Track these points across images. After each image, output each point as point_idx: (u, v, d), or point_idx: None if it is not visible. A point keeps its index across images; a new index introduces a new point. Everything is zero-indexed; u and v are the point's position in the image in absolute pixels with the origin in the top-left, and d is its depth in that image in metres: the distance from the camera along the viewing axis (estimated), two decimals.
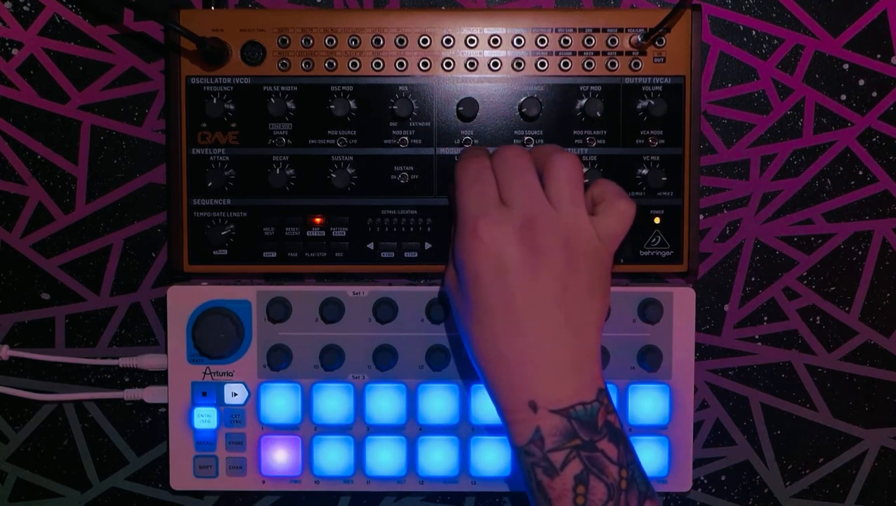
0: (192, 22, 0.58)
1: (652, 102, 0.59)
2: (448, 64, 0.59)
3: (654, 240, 0.60)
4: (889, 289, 0.64)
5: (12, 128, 0.62)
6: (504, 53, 0.59)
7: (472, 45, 0.59)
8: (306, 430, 0.60)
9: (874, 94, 0.63)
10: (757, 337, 0.64)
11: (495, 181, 0.51)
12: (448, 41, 0.59)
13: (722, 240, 0.64)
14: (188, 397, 0.60)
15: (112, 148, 0.62)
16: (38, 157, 0.62)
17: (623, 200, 0.52)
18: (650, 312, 0.59)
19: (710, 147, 0.63)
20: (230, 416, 0.60)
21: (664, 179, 0.60)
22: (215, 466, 0.60)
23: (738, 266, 0.64)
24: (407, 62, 0.59)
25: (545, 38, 0.59)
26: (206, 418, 0.60)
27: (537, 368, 0.49)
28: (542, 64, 0.59)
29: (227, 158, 0.60)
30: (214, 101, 0.59)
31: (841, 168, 0.63)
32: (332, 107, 0.59)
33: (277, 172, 0.59)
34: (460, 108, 0.59)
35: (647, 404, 0.60)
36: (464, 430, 0.60)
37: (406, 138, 0.60)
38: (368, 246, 0.60)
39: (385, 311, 0.59)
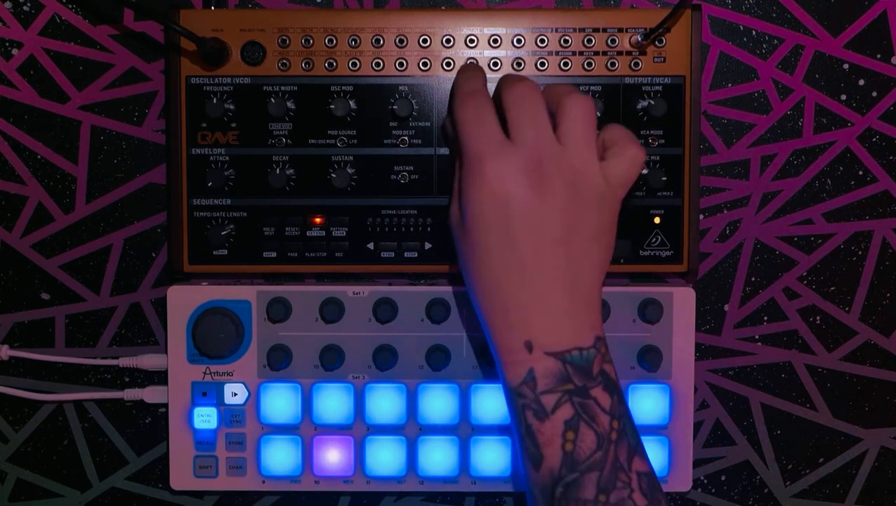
0: (192, 22, 0.58)
1: (652, 102, 0.59)
2: (448, 64, 0.59)
3: (654, 240, 0.60)
4: (889, 289, 0.64)
5: (12, 128, 0.62)
6: (504, 53, 0.59)
7: (472, 45, 0.59)
8: (306, 430, 0.60)
9: (874, 94, 0.63)
10: (757, 337, 0.64)
11: (500, 115, 0.50)
12: (448, 41, 0.59)
13: (722, 240, 0.64)
14: (188, 397, 0.60)
15: (112, 148, 0.62)
16: (38, 157, 0.62)
17: (634, 146, 0.51)
18: (650, 312, 0.59)
19: (710, 147, 0.63)
20: (230, 416, 0.60)
21: (664, 178, 0.60)
22: (215, 466, 0.60)
23: (738, 266, 0.64)
24: (407, 62, 0.59)
25: (545, 38, 0.59)
26: (206, 418, 0.60)
27: (536, 310, 0.48)
28: (542, 64, 0.59)
29: (227, 158, 0.60)
30: (214, 101, 0.59)
31: (841, 168, 0.63)
32: (332, 107, 0.59)
33: (277, 172, 0.59)
34: None
35: (647, 404, 0.60)
36: (464, 430, 0.61)
37: (406, 138, 0.60)
38: (368, 246, 0.60)
39: (385, 311, 0.59)
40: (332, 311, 0.59)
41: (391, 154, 0.60)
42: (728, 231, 0.64)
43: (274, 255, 0.60)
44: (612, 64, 0.59)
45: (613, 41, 0.59)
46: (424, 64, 0.59)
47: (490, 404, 0.60)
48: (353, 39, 0.59)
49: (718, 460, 0.65)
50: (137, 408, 0.64)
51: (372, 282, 0.61)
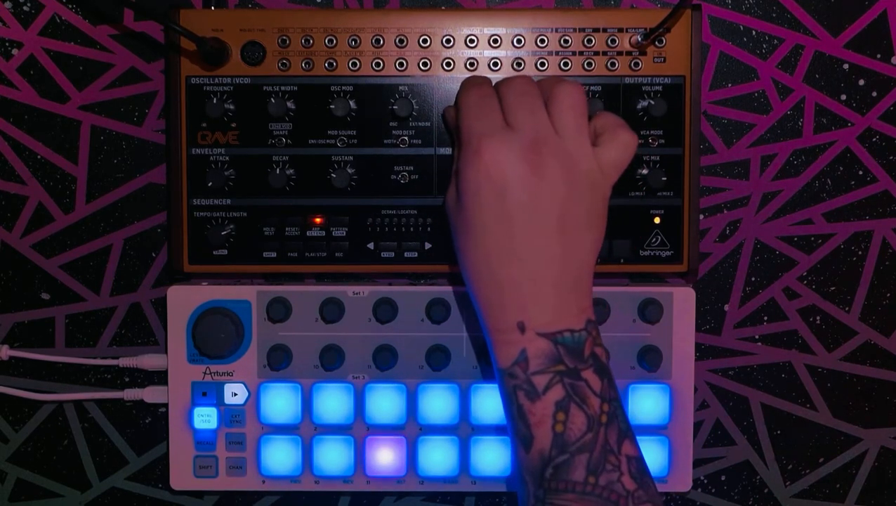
0: (192, 22, 0.58)
1: (652, 102, 0.59)
2: (448, 64, 0.59)
3: (654, 240, 0.60)
4: (889, 289, 0.64)
5: (12, 128, 0.62)
6: (504, 53, 0.59)
7: (472, 45, 0.59)
8: (306, 430, 0.60)
9: (874, 94, 0.63)
10: (757, 337, 0.64)
11: (500, 107, 0.52)
12: (448, 41, 0.59)
13: (722, 240, 0.64)
14: (188, 397, 0.60)
15: (112, 148, 0.62)
16: (38, 157, 0.62)
17: (625, 132, 0.52)
18: (650, 312, 0.59)
19: (710, 147, 0.63)
20: (230, 416, 0.60)
21: (664, 178, 0.60)
22: (215, 466, 0.60)
23: (738, 266, 0.64)
24: (407, 62, 0.59)
25: (545, 38, 0.59)
26: (206, 417, 0.60)
27: (529, 291, 0.49)
28: (542, 64, 0.59)
29: (227, 157, 0.60)
30: (214, 101, 0.59)
31: (841, 168, 0.63)
32: (332, 107, 0.59)
33: (277, 171, 0.59)
34: None
35: (647, 403, 0.60)
36: (464, 430, 0.61)
37: (406, 138, 0.60)
38: (368, 246, 0.60)
39: (385, 311, 0.59)
40: (332, 311, 0.59)
41: (391, 154, 0.60)
42: (728, 231, 0.64)
43: (274, 255, 0.60)
44: (612, 64, 0.59)
45: (613, 41, 0.59)
46: (424, 64, 0.59)
47: (490, 404, 0.60)
48: (353, 39, 0.59)
49: (718, 460, 0.65)
50: (137, 408, 0.64)
51: (372, 282, 0.61)
